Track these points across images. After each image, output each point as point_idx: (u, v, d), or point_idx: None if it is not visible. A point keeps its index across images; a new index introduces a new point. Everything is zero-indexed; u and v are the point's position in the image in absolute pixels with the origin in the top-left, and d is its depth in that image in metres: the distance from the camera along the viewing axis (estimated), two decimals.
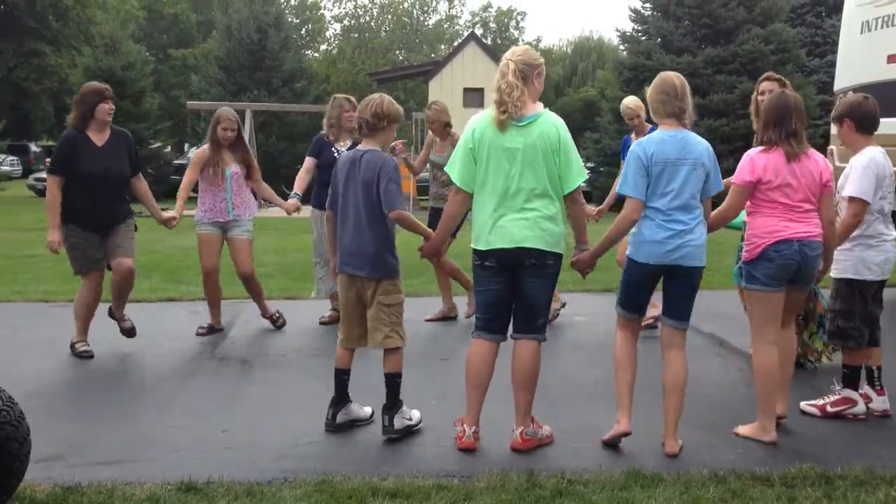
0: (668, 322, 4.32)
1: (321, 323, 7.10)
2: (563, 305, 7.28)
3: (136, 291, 8.54)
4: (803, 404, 4.86)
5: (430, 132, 7.50)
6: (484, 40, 47.28)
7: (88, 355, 5.98)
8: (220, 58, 27.93)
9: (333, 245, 4.62)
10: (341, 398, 4.58)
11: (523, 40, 56.78)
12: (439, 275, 7.36)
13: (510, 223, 4.10)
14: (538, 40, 59.75)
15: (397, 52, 42.18)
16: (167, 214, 6.36)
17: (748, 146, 4.78)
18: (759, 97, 5.50)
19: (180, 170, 26.15)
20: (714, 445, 4.34)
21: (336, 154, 6.84)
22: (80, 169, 5.82)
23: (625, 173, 4.25)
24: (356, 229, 4.40)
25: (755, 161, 4.34)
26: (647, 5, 22.24)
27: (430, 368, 5.78)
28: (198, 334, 6.71)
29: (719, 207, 4.46)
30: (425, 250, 4.58)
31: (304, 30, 53.71)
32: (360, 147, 4.51)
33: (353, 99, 7.04)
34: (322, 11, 48.52)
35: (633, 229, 4.24)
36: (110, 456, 4.16)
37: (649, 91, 4.30)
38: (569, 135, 4.17)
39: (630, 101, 6.92)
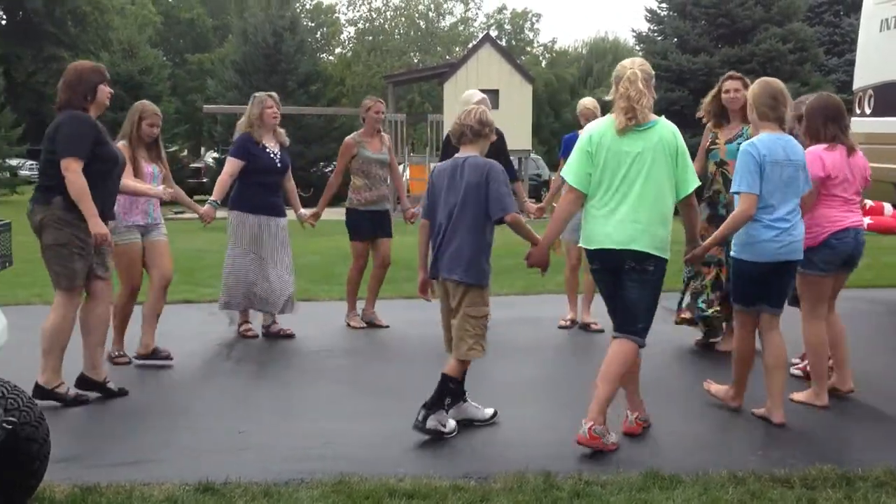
0: (768, 309, 4.61)
1: (241, 335, 6.79)
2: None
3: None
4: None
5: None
6: (499, 42, 47.37)
7: (85, 400, 5.09)
8: (236, 62, 28.08)
9: (425, 255, 4.61)
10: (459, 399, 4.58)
11: (538, 42, 56.77)
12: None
13: (622, 225, 4.16)
14: (553, 41, 59.92)
15: (412, 54, 42.21)
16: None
17: None
18: (724, 95, 5.89)
19: (196, 173, 26.35)
20: (733, 446, 4.33)
21: (272, 155, 6.61)
22: (106, 152, 5.00)
23: (740, 172, 4.43)
24: (455, 235, 4.39)
25: (824, 158, 4.77)
26: (664, 5, 22.16)
27: (430, 364, 5.77)
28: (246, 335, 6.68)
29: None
30: (533, 258, 4.48)
31: (319, 33, 53.92)
32: (459, 154, 4.51)
33: (275, 95, 6.82)
34: (337, 15, 48.65)
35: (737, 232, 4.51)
36: (128, 457, 4.18)
37: (755, 94, 4.55)
38: (683, 141, 4.28)
39: (589, 101, 7.07)
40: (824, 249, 4.76)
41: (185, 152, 31.81)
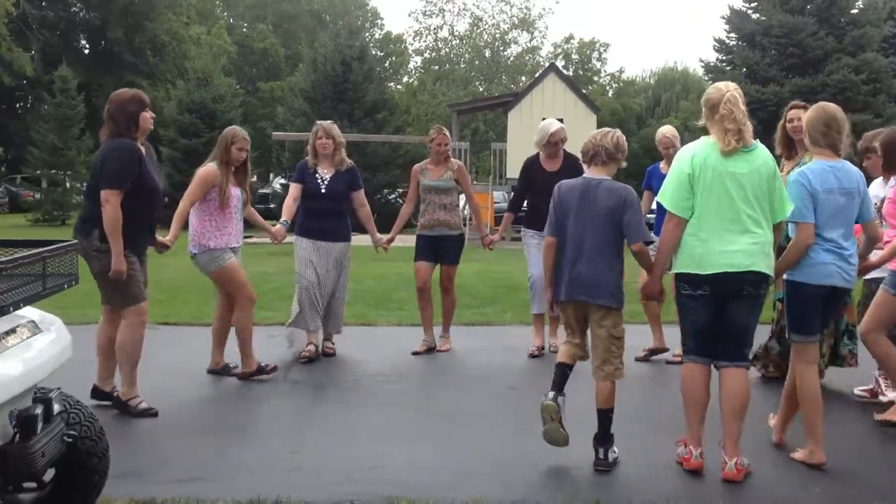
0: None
1: (301, 360, 6.81)
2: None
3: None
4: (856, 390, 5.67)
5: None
6: (565, 71, 47.42)
7: (154, 413, 5.27)
8: (305, 90, 28.63)
9: (551, 273, 4.59)
10: (560, 390, 4.45)
11: (606, 71, 56.61)
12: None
13: (738, 247, 4.11)
14: (621, 71, 59.36)
15: (477, 83, 42.52)
16: (160, 240, 5.71)
17: None
18: (788, 125, 5.84)
19: (264, 199, 26.87)
20: (792, 484, 4.22)
21: (320, 181, 6.84)
22: (147, 182, 5.17)
23: (793, 201, 4.34)
24: (594, 258, 4.35)
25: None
26: (732, 35, 21.96)
27: (501, 395, 5.79)
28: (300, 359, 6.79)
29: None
30: (646, 290, 4.53)
31: (387, 62, 54.76)
32: (590, 175, 4.50)
33: (326, 125, 6.95)
34: (405, 45, 49.32)
35: None
36: (185, 474, 4.28)
37: (808, 120, 4.49)
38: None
39: (668, 130, 7.01)
40: None
41: (255, 178, 32.55)
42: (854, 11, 21.19)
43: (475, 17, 44.02)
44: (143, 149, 5.25)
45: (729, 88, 4.26)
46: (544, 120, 7.12)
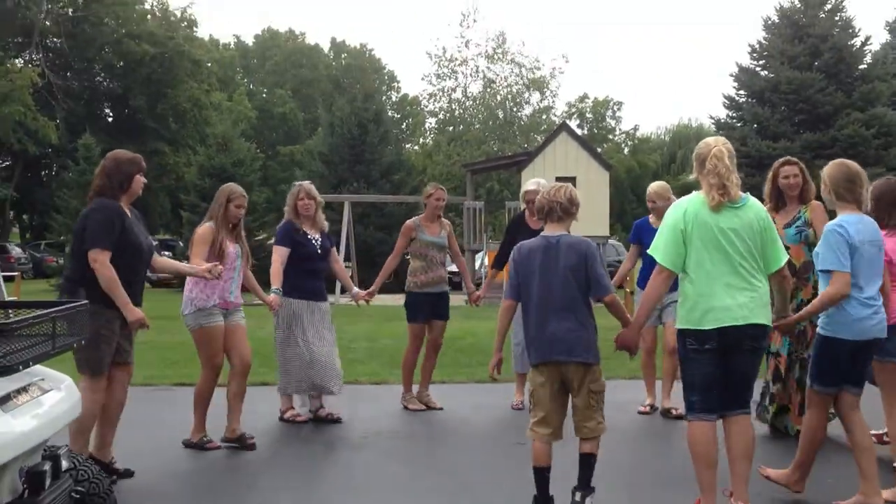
0: (853, 390, 4.58)
1: (285, 419, 6.84)
2: None
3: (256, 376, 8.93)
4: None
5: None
6: (577, 129, 47.88)
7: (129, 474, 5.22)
8: (323, 153, 29.19)
9: (503, 336, 4.59)
10: (547, 500, 4.34)
11: (620, 129, 57.23)
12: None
13: (740, 301, 4.15)
14: (635, 129, 60.10)
15: (491, 143, 43.04)
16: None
17: None
18: (783, 181, 5.89)
19: None
20: None
21: (313, 241, 6.81)
22: (131, 240, 5.10)
23: (826, 251, 4.43)
24: (566, 316, 4.31)
25: (889, 244, 4.75)
26: (742, 92, 22.22)
27: (508, 452, 5.83)
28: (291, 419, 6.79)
29: None
30: (623, 340, 4.42)
31: (404, 124, 55.66)
32: (548, 233, 4.47)
33: (307, 185, 6.94)
34: (421, 107, 50.14)
35: (832, 309, 4.45)
36: None
37: (832, 176, 4.59)
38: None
39: (656, 186, 7.16)
40: None
41: (273, 240, 32.86)
42: (862, 67, 21.43)
43: (487, 80, 44.76)
44: (127, 210, 5.19)
45: (717, 143, 4.33)
46: (529, 181, 7.35)
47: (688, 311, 4.22)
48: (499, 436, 6.36)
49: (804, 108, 20.31)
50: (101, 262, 4.89)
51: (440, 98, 45.99)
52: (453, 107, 45.95)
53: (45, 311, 3.10)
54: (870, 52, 22.33)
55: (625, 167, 49.83)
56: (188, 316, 5.95)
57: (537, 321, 4.36)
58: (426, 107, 48.18)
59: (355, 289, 7.35)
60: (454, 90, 45.63)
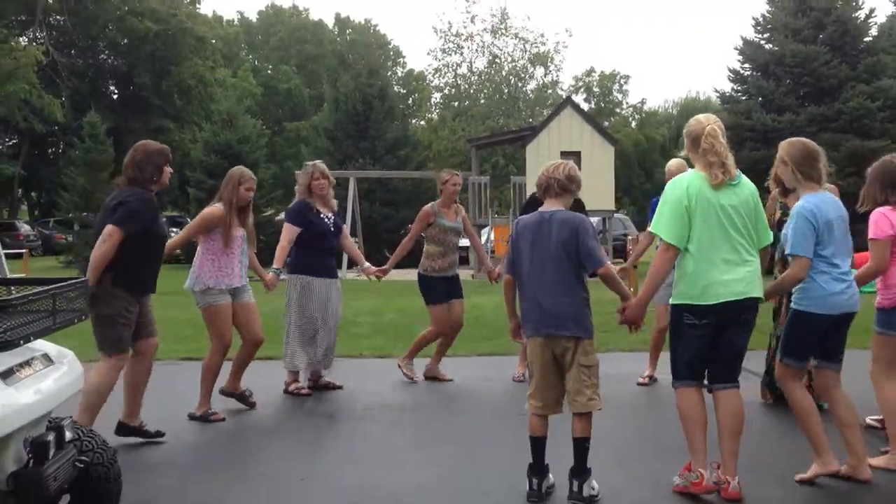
0: (831, 366, 4.67)
1: (290, 392, 6.96)
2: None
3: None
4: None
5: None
6: (584, 104, 47.63)
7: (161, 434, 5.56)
8: (328, 129, 29.18)
9: (513, 306, 4.66)
10: (542, 468, 4.44)
11: (627, 103, 56.94)
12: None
13: (738, 276, 4.23)
14: (642, 102, 59.79)
15: (497, 118, 42.93)
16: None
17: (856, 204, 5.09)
18: None
19: None
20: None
21: (326, 220, 6.95)
22: (158, 230, 5.35)
23: (793, 235, 4.46)
24: (556, 290, 4.35)
25: (890, 217, 4.80)
26: (747, 65, 22.10)
27: (510, 422, 5.92)
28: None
29: (866, 265, 4.85)
30: (630, 314, 4.44)
31: (410, 99, 55.49)
32: (545, 208, 4.51)
33: (319, 164, 7.08)
34: (427, 82, 49.95)
35: (805, 285, 4.50)
36: (197, 500, 4.48)
37: (793, 157, 4.59)
38: None
39: (673, 163, 7.11)
40: None
41: (281, 216, 32.98)
42: (867, 39, 21.29)
43: (492, 55, 44.57)
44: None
45: (710, 121, 4.38)
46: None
47: (686, 287, 4.28)
48: (502, 407, 6.46)
49: (809, 81, 20.20)
50: (113, 239, 5.02)
51: (445, 73, 45.87)
52: (458, 82, 45.81)
53: (46, 288, 3.19)
54: (875, 24, 22.18)
55: (632, 141, 49.65)
56: (196, 294, 6.10)
57: (530, 295, 4.43)
58: (431, 82, 48.04)
59: (367, 263, 7.49)
60: (459, 65, 45.49)
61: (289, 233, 6.87)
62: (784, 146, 4.68)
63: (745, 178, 4.39)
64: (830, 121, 19.65)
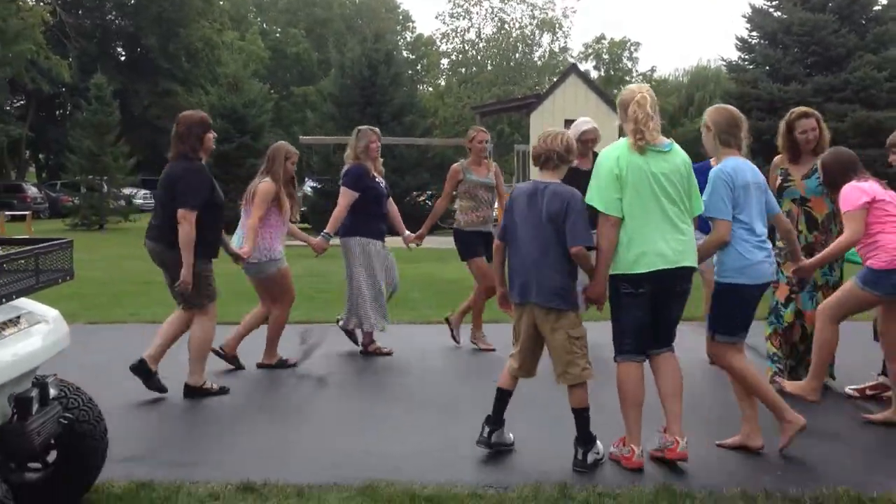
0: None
1: (369, 352, 7.21)
2: None
3: (236, 315, 9.13)
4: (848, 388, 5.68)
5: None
6: (594, 71, 47.22)
7: (227, 390, 5.95)
8: (334, 94, 29.06)
9: (502, 274, 4.72)
10: (498, 420, 4.59)
11: (637, 70, 56.51)
12: None
13: (670, 245, 4.27)
14: (653, 70, 59.15)
15: (504, 85, 42.72)
16: (238, 251, 6.23)
17: None
18: (801, 135, 5.72)
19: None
20: (751, 467, 4.41)
21: (381, 184, 7.09)
22: (216, 197, 5.77)
23: (710, 198, 4.47)
24: (542, 261, 4.38)
25: (861, 186, 4.88)
26: (754, 34, 21.91)
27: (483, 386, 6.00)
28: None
29: (843, 236, 4.92)
30: (592, 293, 4.45)
31: (419, 65, 55.17)
32: (540, 179, 4.53)
33: (377, 130, 7.27)
34: (435, 47, 49.65)
35: (724, 256, 4.47)
36: (184, 458, 4.59)
37: (716, 122, 4.57)
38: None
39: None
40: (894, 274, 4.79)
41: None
42: (877, 8, 21.03)
43: (501, 21, 44.25)
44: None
45: (641, 90, 4.39)
46: (580, 119, 7.35)
47: (621, 256, 4.31)
48: (495, 375, 6.51)
49: (816, 51, 20.01)
50: (189, 220, 5.51)
51: (452, 39, 45.59)
52: (466, 48, 45.54)
53: (29, 248, 3.27)
54: None
55: None
56: (265, 264, 6.48)
57: (517, 263, 4.49)
58: (439, 47, 47.74)
59: (406, 231, 7.55)
60: (467, 30, 45.19)
61: (348, 197, 6.99)
62: (709, 112, 4.64)
63: (676, 147, 4.40)
64: (837, 90, 19.48)
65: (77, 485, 3.81)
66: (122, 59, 44.48)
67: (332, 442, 4.86)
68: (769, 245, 4.55)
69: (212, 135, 5.84)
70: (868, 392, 5.59)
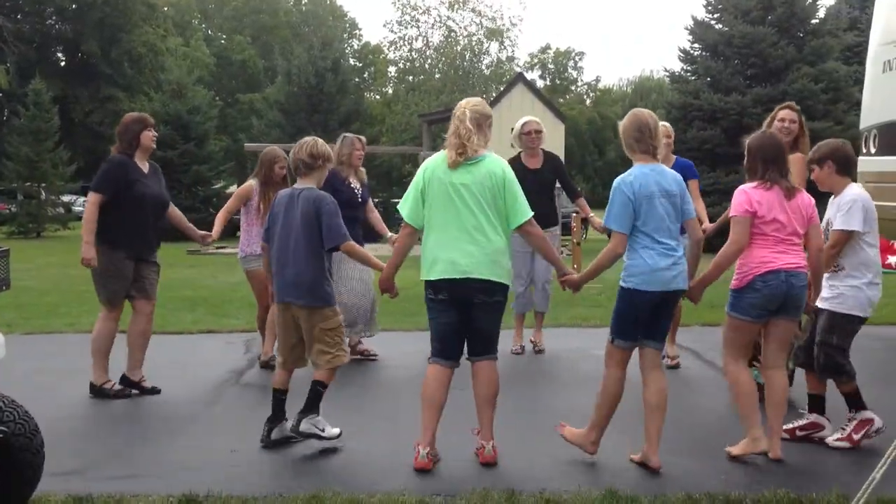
0: (653, 345, 4.52)
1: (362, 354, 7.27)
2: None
3: (178, 324, 9.02)
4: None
5: None
6: (539, 81, 47.63)
7: (127, 394, 6.00)
8: (280, 101, 28.88)
9: (271, 274, 4.95)
10: (277, 416, 4.91)
11: (582, 80, 57.26)
12: None
13: (460, 255, 4.39)
14: (597, 80, 60.20)
15: (452, 94, 42.84)
16: (202, 232, 6.51)
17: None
18: (779, 123, 5.66)
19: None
20: (698, 472, 4.45)
21: (356, 190, 7.17)
22: (135, 191, 5.89)
23: (609, 209, 4.43)
24: (295, 261, 4.72)
25: (751, 195, 4.52)
26: (696, 46, 22.30)
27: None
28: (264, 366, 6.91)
29: (728, 243, 4.54)
30: (381, 283, 4.73)
31: (366, 73, 55.05)
32: (297, 186, 4.88)
33: (363, 139, 7.38)
34: (384, 55, 49.59)
35: (629, 262, 4.40)
36: (125, 471, 4.48)
37: (623, 127, 4.51)
38: (513, 175, 4.50)
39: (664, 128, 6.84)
40: (749, 292, 4.49)
41: (234, 187, 32.66)
42: (814, 22, 21.56)
43: (449, 30, 44.38)
44: (145, 165, 6.05)
45: (466, 105, 4.54)
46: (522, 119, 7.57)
47: (424, 263, 4.50)
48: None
49: (756, 63, 20.44)
50: (92, 201, 5.84)
51: (401, 47, 45.59)
52: (414, 56, 45.58)
53: None
54: (822, 7, 22.51)
55: (586, 119, 49.94)
56: (244, 259, 6.90)
57: (277, 264, 4.82)
58: (386, 55, 47.68)
59: (389, 233, 7.46)
60: (415, 39, 45.22)
61: None
62: (625, 118, 4.55)
63: (490, 158, 4.45)
64: (775, 101, 19.57)
65: (13, 499, 3.68)
66: (63, 64, 43.55)
67: (276, 452, 4.79)
68: (678, 253, 4.37)
69: (150, 133, 6.04)
70: (798, 433, 5.00)
